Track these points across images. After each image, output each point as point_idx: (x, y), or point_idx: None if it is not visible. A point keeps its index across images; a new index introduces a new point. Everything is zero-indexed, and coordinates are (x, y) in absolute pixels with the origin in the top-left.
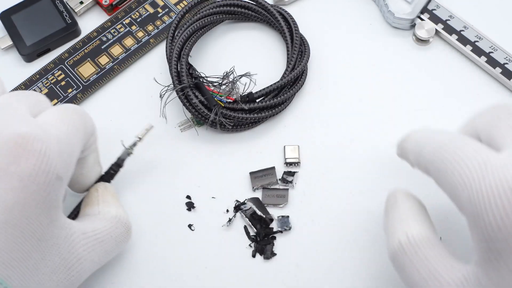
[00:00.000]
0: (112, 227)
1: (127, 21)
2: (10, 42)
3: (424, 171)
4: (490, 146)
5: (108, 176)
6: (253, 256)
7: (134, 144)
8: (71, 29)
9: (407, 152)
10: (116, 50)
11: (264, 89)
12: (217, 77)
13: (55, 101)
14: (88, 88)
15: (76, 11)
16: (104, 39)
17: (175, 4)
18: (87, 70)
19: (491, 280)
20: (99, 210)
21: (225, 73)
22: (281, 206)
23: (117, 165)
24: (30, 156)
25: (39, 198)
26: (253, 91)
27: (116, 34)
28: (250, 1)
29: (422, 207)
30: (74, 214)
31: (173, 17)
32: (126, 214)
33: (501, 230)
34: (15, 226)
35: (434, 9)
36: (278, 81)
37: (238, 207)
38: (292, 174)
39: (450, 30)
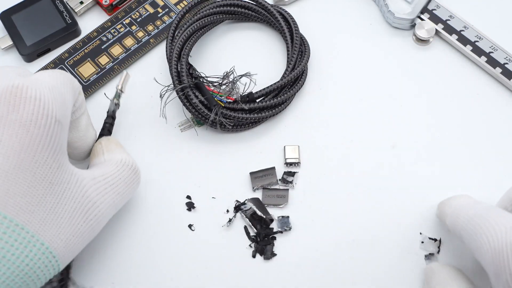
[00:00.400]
0: (119, 170)
1: (127, 21)
2: (10, 42)
3: (458, 235)
4: None
5: (105, 131)
6: (253, 256)
7: (118, 95)
8: (71, 29)
9: (445, 216)
10: (116, 50)
11: (264, 89)
12: (217, 77)
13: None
14: (88, 88)
15: (76, 11)
16: (104, 39)
17: (175, 4)
18: (87, 70)
19: None
20: (105, 158)
21: (225, 73)
22: (281, 206)
23: (110, 117)
24: (27, 103)
25: (44, 142)
26: (253, 91)
27: (116, 34)
28: (250, 1)
29: (458, 271)
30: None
31: (173, 17)
32: (131, 158)
33: None
34: (25, 170)
35: (434, 9)
36: (278, 81)
37: (238, 207)
38: (292, 174)
39: (450, 30)
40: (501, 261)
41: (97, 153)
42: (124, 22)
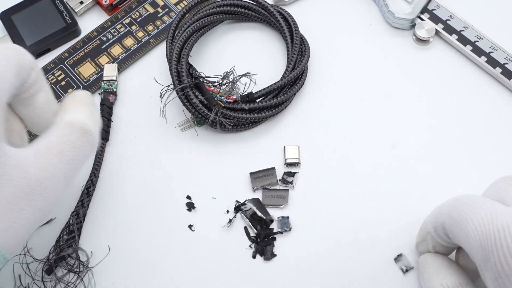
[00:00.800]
0: (65, 134)
1: (127, 21)
2: (10, 42)
3: (440, 230)
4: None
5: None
6: (253, 257)
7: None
8: (71, 29)
9: (427, 223)
10: (116, 50)
11: (264, 89)
12: (217, 77)
13: (55, 101)
14: (88, 88)
15: (76, 11)
16: (104, 39)
17: (175, 4)
18: (87, 70)
19: None
20: (57, 121)
21: (225, 73)
22: (281, 206)
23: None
24: None
25: None
26: (253, 91)
27: (116, 34)
28: (250, 1)
29: (451, 260)
30: None
31: (173, 17)
32: (86, 118)
33: (511, 268)
34: None
35: (434, 9)
36: (278, 81)
37: (238, 208)
38: (292, 174)
39: (450, 30)
40: (489, 246)
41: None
42: (124, 22)
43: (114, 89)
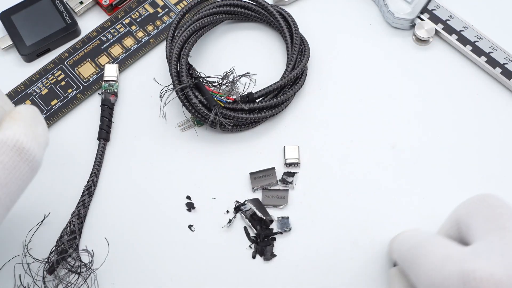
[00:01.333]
0: None
1: (127, 21)
2: (10, 42)
3: (404, 268)
4: (466, 236)
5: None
6: (253, 257)
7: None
8: (71, 29)
9: (393, 251)
10: (116, 50)
11: (264, 89)
12: (217, 77)
13: (55, 101)
14: (88, 88)
15: (76, 11)
16: (104, 39)
17: (175, 4)
18: (87, 70)
19: None
20: None
21: (225, 73)
22: (281, 207)
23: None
24: None
25: None
26: (253, 91)
27: (116, 34)
28: (250, 1)
29: None
30: None
31: (173, 17)
32: (22, 134)
33: None
34: None
35: (434, 9)
36: (278, 81)
37: (238, 208)
38: (292, 175)
39: (450, 30)
40: None
41: None
42: (124, 22)
43: (115, 90)
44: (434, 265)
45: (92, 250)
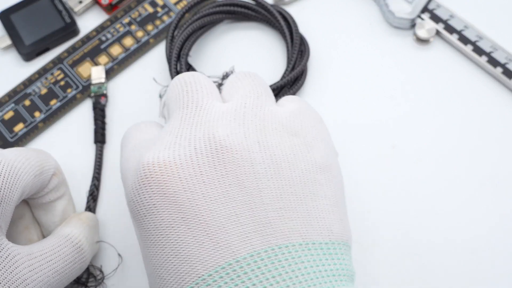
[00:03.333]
0: (60, 245)
1: (126, 20)
2: (9, 42)
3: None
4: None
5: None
6: None
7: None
8: (70, 29)
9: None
10: (116, 50)
11: None
12: (217, 77)
13: (55, 101)
14: (87, 88)
15: (75, 10)
16: (104, 38)
17: (175, 4)
18: (86, 70)
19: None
20: (55, 231)
21: (225, 73)
22: None
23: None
24: None
25: None
26: None
27: (115, 33)
28: (250, 1)
29: None
30: None
31: (173, 17)
32: (84, 237)
33: (129, 201)
34: None
35: (435, 9)
36: (278, 81)
37: None
38: None
39: (450, 29)
40: (123, 179)
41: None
42: (123, 22)
43: (104, 91)
44: (128, 153)
45: (101, 265)
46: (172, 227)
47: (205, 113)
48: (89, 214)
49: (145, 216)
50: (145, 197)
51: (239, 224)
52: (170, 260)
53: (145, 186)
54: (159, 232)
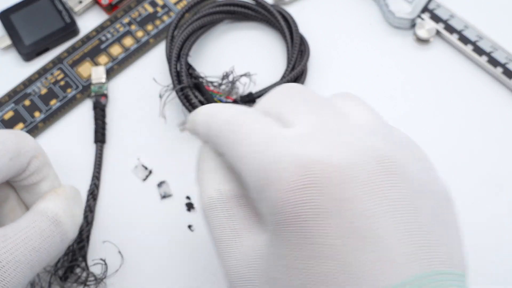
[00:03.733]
0: (35, 221)
1: (126, 20)
2: (9, 42)
3: (216, 146)
4: (279, 122)
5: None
6: None
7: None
8: (70, 29)
9: (197, 124)
10: (116, 50)
11: (264, 89)
12: (217, 77)
13: (55, 101)
14: (87, 88)
15: (75, 10)
16: (104, 38)
17: (175, 4)
18: (86, 70)
19: (279, 250)
20: (31, 208)
21: (224, 73)
22: None
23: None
24: None
25: None
26: (253, 91)
27: (115, 33)
28: (250, 1)
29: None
30: None
31: (173, 17)
32: (61, 209)
33: (285, 203)
34: None
35: (435, 9)
36: (278, 81)
37: None
38: None
39: (450, 29)
40: (265, 178)
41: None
42: (123, 22)
43: (105, 91)
44: (257, 146)
45: (104, 260)
46: (343, 237)
47: (345, 122)
48: (66, 186)
49: (306, 221)
50: (311, 198)
51: (409, 243)
52: (332, 274)
53: (314, 187)
54: (324, 241)
